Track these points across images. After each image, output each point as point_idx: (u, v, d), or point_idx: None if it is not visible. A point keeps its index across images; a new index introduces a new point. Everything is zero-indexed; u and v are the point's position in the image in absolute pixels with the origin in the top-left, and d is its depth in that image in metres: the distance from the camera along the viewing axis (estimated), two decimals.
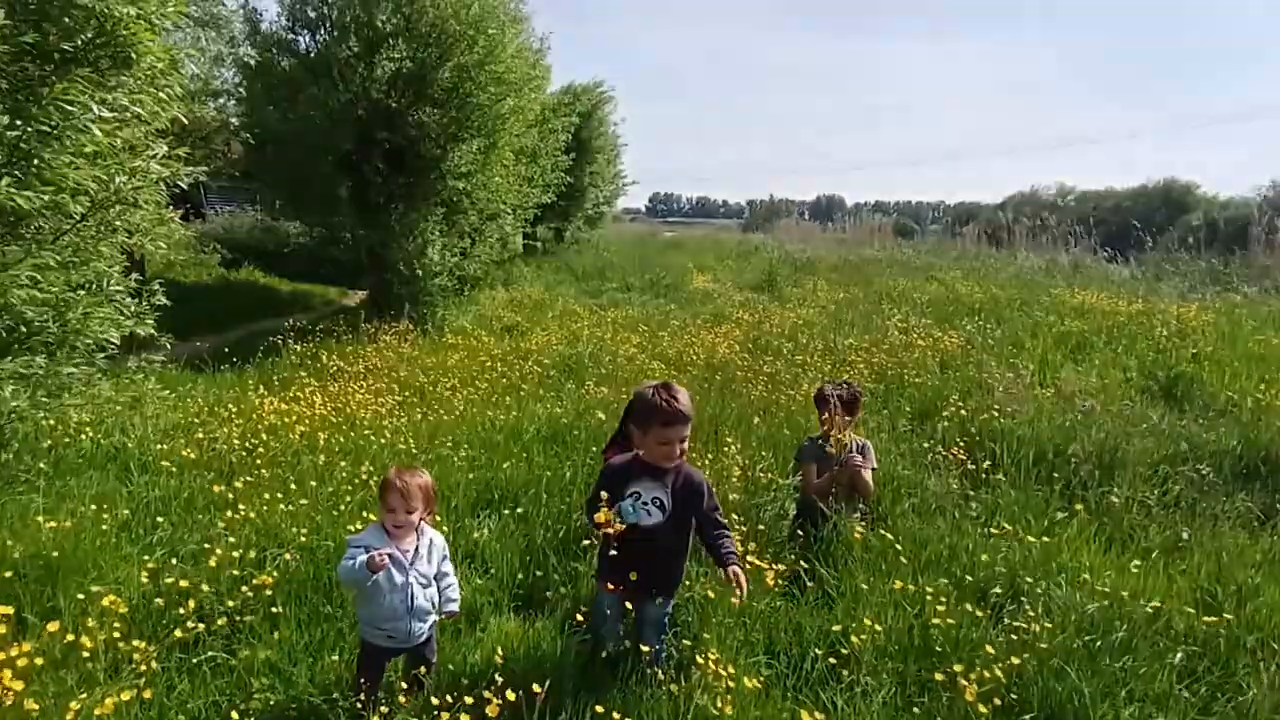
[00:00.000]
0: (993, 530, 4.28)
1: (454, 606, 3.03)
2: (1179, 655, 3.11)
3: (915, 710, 2.78)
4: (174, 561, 3.46)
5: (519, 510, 4.52)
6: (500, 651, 3.03)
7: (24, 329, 3.65)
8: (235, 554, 3.44)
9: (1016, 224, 25.66)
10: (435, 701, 2.55)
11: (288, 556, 3.49)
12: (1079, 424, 5.85)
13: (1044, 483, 5.19)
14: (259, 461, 4.65)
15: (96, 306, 3.89)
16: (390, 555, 2.71)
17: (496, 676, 2.54)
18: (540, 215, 19.17)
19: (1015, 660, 2.90)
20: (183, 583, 3.10)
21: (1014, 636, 3.03)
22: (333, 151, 9.79)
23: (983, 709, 2.63)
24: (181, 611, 2.97)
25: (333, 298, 14.38)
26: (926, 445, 5.35)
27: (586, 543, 3.16)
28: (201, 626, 3.08)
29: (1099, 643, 3.07)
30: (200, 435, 5.09)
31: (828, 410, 4.28)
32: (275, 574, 3.38)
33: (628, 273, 19.82)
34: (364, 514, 3.93)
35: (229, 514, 3.86)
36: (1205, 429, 6.23)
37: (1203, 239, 23.22)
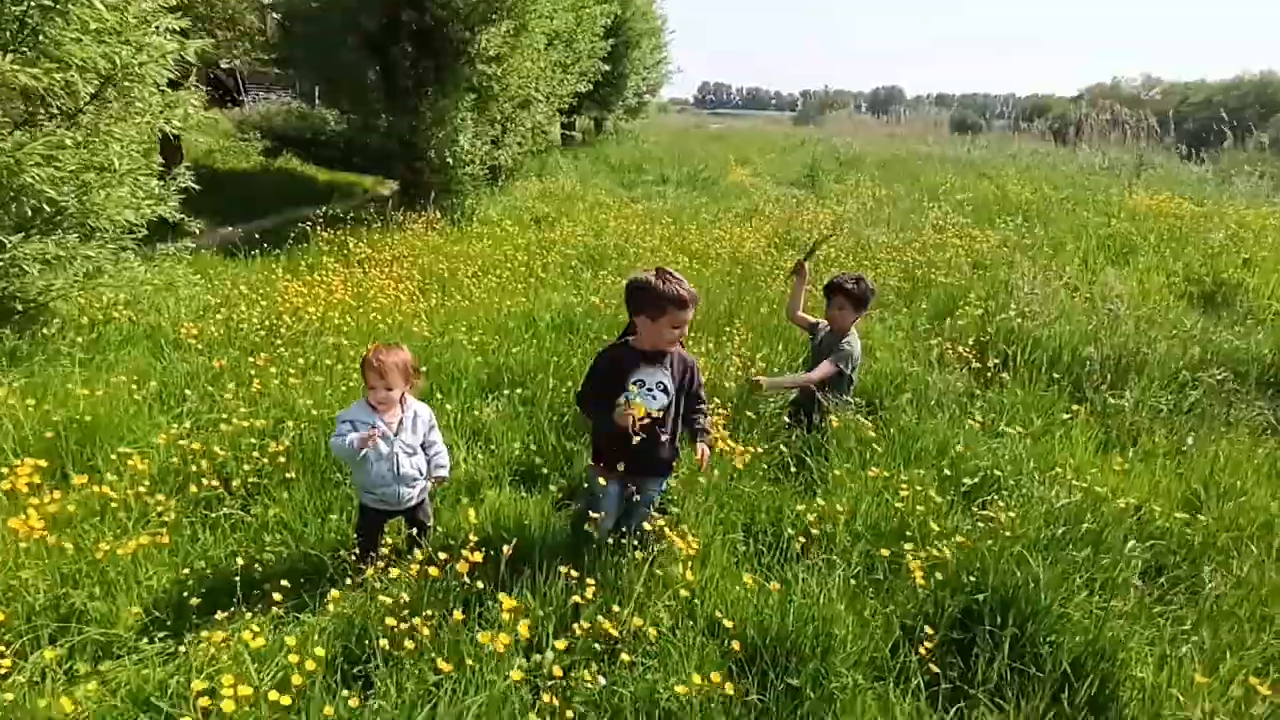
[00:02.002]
0: (983, 424, 4.31)
1: (443, 472, 3.22)
2: (1146, 549, 3.18)
3: (869, 587, 2.92)
4: (197, 429, 3.72)
5: (523, 393, 4.70)
6: (476, 518, 3.25)
7: (47, 208, 3.81)
8: (250, 423, 3.69)
9: (1087, 119, 24.11)
10: (419, 557, 2.77)
11: (290, 424, 3.71)
12: (1102, 327, 5.72)
13: (1054, 385, 5.15)
14: (279, 341, 4.88)
15: (114, 187, 4.02)
16: (378, 432, 2.88)
17: (471, 537, 2.73)
18: (579, 105, 18.66)
19: (961, 539, 3.01)
20: (196, 446, 3.35)
21: (980, 524, 3.12)
22: (358, 31, 9.59)
23: (921, 580, 2.75)
24: (195, 470, 3.22)
25: (368, 186, 14.45)
26: (934, 343, 5.30)
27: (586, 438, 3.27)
28: (219, 486, 3.36)
29: (1066, 534, 3.14)
30: (225, 315, 5.32)
31: (834, 300, 4.28)
32: (288, 443, 3.62)
33: (666, 165, 19.38)
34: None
35: (249, 388, 4.11)
36: (1239, 336, 6.04)
37: None
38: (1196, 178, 16.72)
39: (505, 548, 2.61)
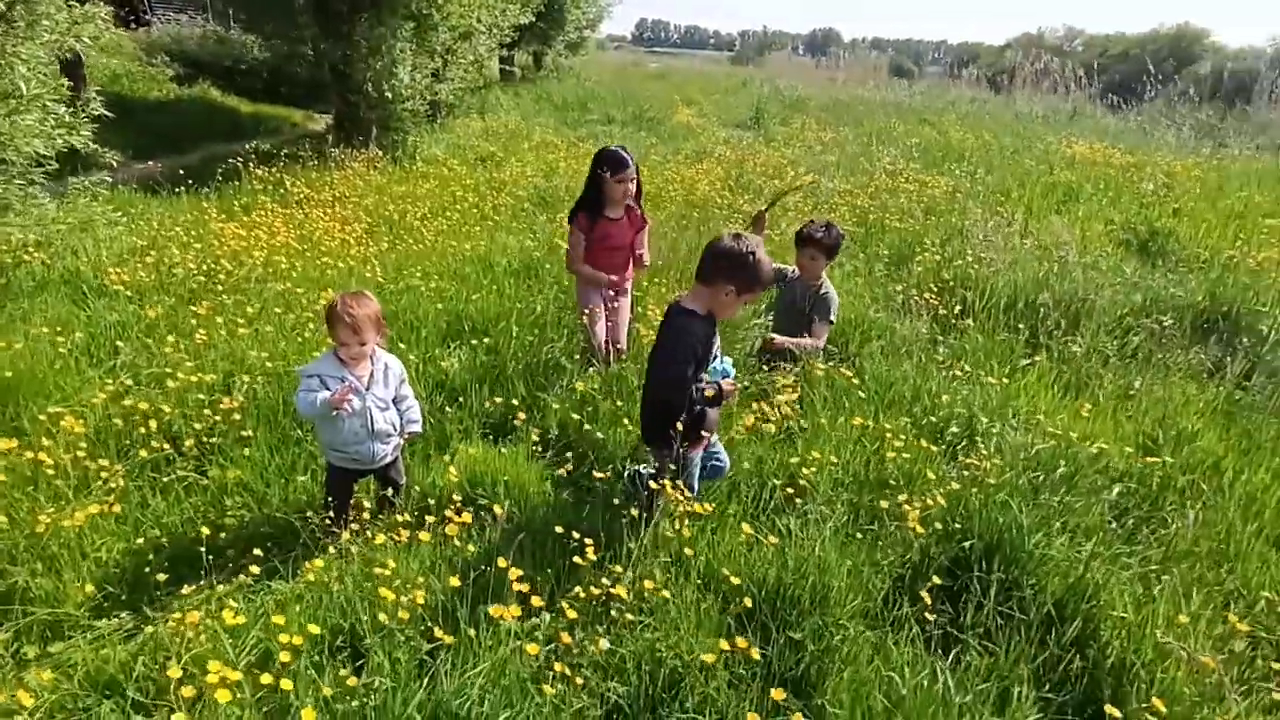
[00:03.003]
0: (955, 373, 4.37)
1: (416, 427, 3.07)
2: (1114, 491, 3.28)
3: (861, 536, 2.93)
4: (136, 385, 3.42)
5: (488, 341, 4.52)
6: (457, 473, 3.12)
7: None
8: (198, 378, 3.42)
9: (1020, 68, 24.44)
10: (396, 519, 2.63)
11: (243, 379, 3.46)
12: (1053, 274, 5.84)
13: (1012, 330, 5.26)
14: (220, 289, 4.53)
15: (21, 114, 3.58)
16: (350, 388, 2.69)
17: (455, 497, 2.60)
18: (518, 39, 17.84)
19: (956, 486, 3.04)
20: (142, 405, 3.08)
21: (964, 472, 3.16)
22: None
23: (920, 529, 2.77)
24: (144, 431, 2.97)
25: (297, 120, 13.56)
26: (899, 290, 5.32)
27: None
28: (169, 448, 3.11)
29: (1043, 479, 3.21)
30: (155, 259, 4.90)
31: (805, 248, 4.24)
32: (242, 398, 3.37)
33: (610, 104, 18.86)
34: (329, 341, 3.88)
35: (191, 340, 3.80)
36: (1174, 283, 6.27)
37: (1206, 91, 22.35)
38: (1121, 128, 17.22)
39: (498, 508, 2.49)
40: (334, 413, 2.70)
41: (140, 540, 2.67)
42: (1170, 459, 3.63)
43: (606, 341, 4.24)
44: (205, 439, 3.23)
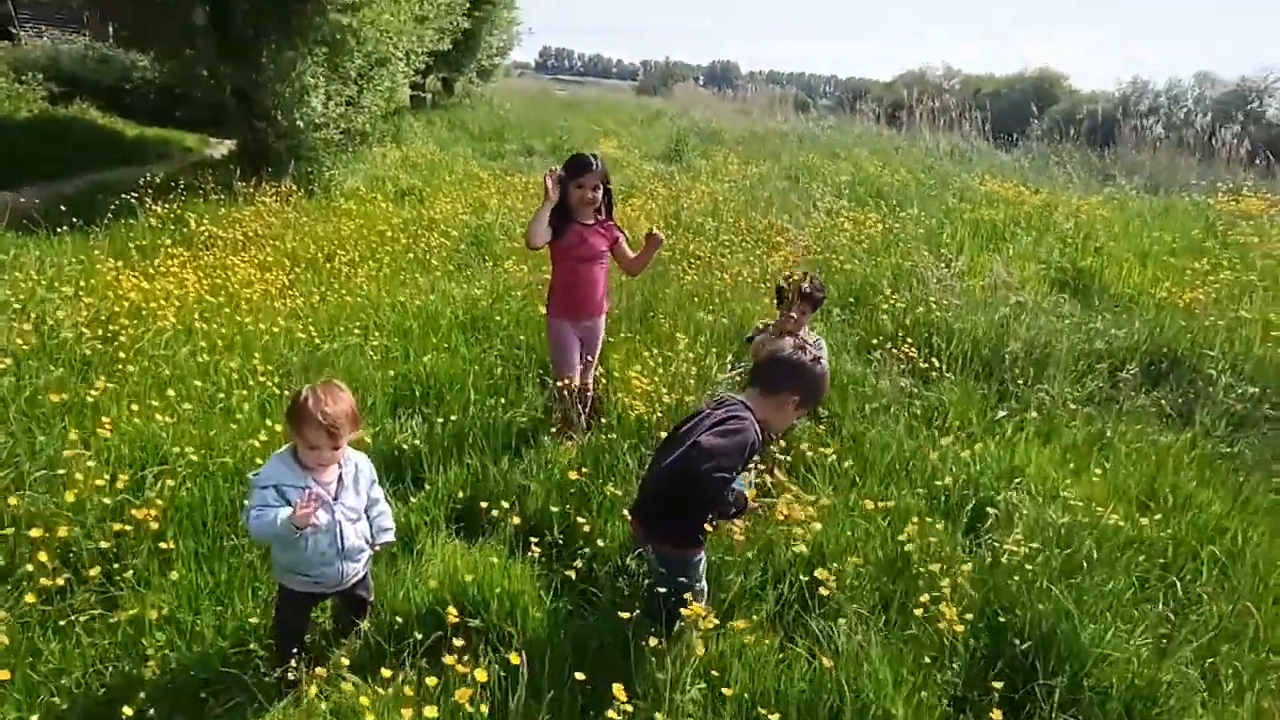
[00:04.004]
0: (946, 435, 4.21)
1: (389, 536, 2.59)
2: (1138, 563, 3.13)
3: (904, 640, 2.64)
4: (19, 492, 2.75)
5: (443, 407, 4.03)
6: (445, 583, 2.66)
7: None
8: (102, 479, 2.79)
9: (919, 104, 25.67)
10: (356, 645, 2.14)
11: (170, 482, 2.85)
12: (1011, 319, 5.85)
13: (982, 379, 5.19)
14: (121, 354, 3.84)
15: None
16: (316, 502, 2.19)
17: (446, 612, 2.13)
18: (430, 65, 17.22)
19: (979, 566, 2.81)
20: (33, 531, 2.44)
21: (988, 551, 2.92)
22: None
23: (959, 627, 2.51)
24: (31, 568, 2.34)
25: (191, 145, 12.49)
26: (875, 342, 5.15)
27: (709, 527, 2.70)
28: (64, 575, 2.48)
29: (1075, 558, 3.02)
30: (35, 317, 4.15)
31: (788, 302, 4.05)
32: (161, 501, 2.77)
33: (526, 134, 18.46)
34: (266, 421, 3.30)
35: (90, 424, 3.14)
36: (1113, 324, 6.41)
37: (1081, 130, 24.08)
38: (1016, 165, 18.19)
39: (513, 656, 2.04)
40: (297, 534, 2.19)
41: (34, 718, 2.06)
42: (1173, 522, 3.54)
43: (580, 390, 3.87)
44: (113, 557, 2.61)
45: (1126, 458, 4.22)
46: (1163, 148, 20.30)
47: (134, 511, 2.67)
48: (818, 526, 2.86)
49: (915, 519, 3.16)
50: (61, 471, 2.78)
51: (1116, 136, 21.78)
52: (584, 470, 3.29)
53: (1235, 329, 5.94)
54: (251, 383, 3.64)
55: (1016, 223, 9.95)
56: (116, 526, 2.64)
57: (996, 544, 3.04)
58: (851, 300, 6.52)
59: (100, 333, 3.98)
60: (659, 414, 3.75)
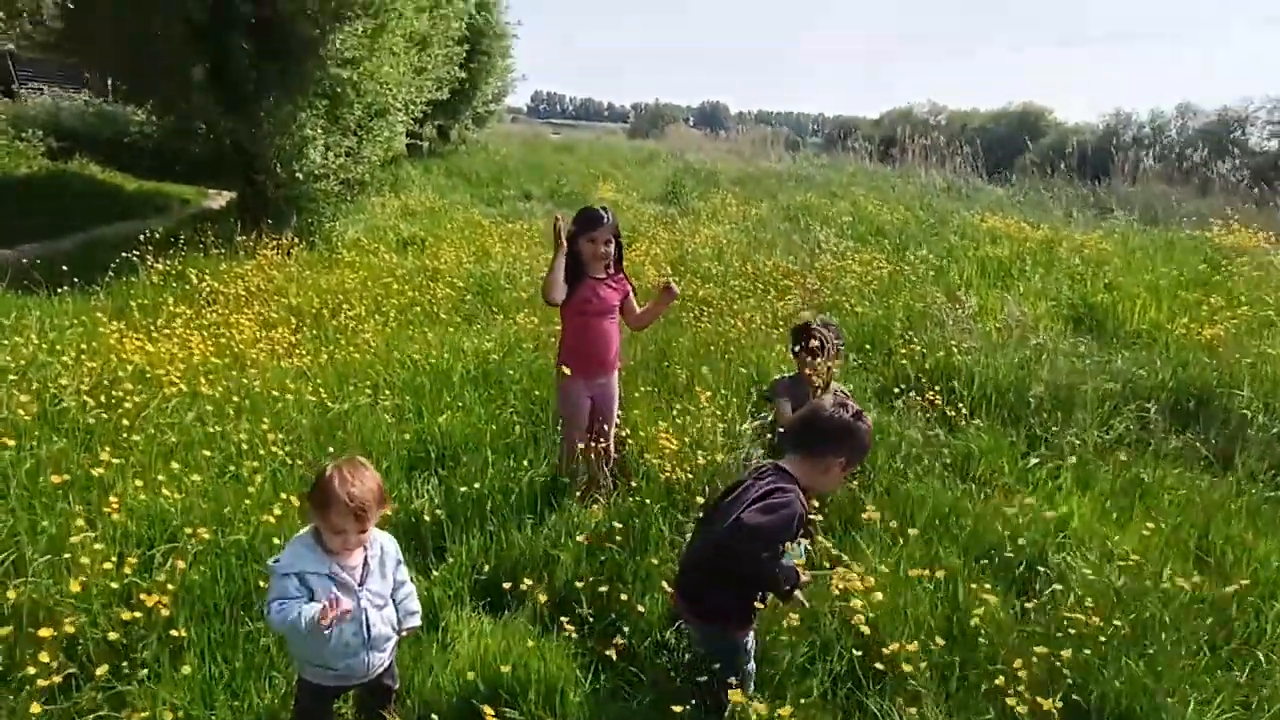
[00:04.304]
0: (984, 487, 4.07)
1: (416, 620, 2.42)
2: (1204, 625, 2.97)
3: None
4: (21, 580, 2.56)
5: (459, 469, 3.88)
6: (477, 668, 2.48)
7: None
8: (110, 562, 2.61)
9: (911, 142, 25.99)
10: None
11: (180, 564, 2.68)
12: (1032, 361, 5.74)
13: (1008, 424, 5.06)
14: (125, 420, 3.68)
15: None
16: (344, 606, 2.02)
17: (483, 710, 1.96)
18: (427, 113, 17.37)
19: (1066, 654, 2.63)
20: (43, 631, 2.25)
21: (1067, 631, 2.74)
22: (181, 19, 8.04)
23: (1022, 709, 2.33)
24: (34, 669, 2.15)
25: (190, 197, 12.46)
26: (899, 390, 5.03)
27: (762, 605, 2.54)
28: (67, 670, 2.30)
29: (1139, 620, 2.85)
30: (37, 385, 4.00)
31: (808, 350, 3.94)
32: (172, 586, 2.59)
33: (524, 179, 18.56)
34: (280, 495, 3.14)
35: (97, 500, 2.97)
36: (1132, 363, 6.30)
37: (1054, 164, 24.41)
38: (1012, 200, 18.30)
39: None
40: (326, 632, 2.02)
41: None
42: (1231, 577, 3.38)
43: (587, 450, 3.72)
44: (121, 650, 2.43)
45: (1171, 505, 4.08)
46: (1154, 178, 20.59)
47: (143, 596, 2.49)
48: (879, 596, 2.69)
49: (967, 581, 3.00)
50: (66, 555, 2.60)
51: (1108, 168, 22.09)
52: (617, 540, 3.12)
53: (1259, 365, 5.84)
54: (263, 451, 3.47)
55: (1022, 259, 9.92)
56: (125, 614, 2.45)
57: (1052, 609, 2.87)
58: (867, 345, 6.41)
59: (103, 399, 3.82)
60: (689, 475, 3.59)
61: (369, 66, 9.47)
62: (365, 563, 2.24)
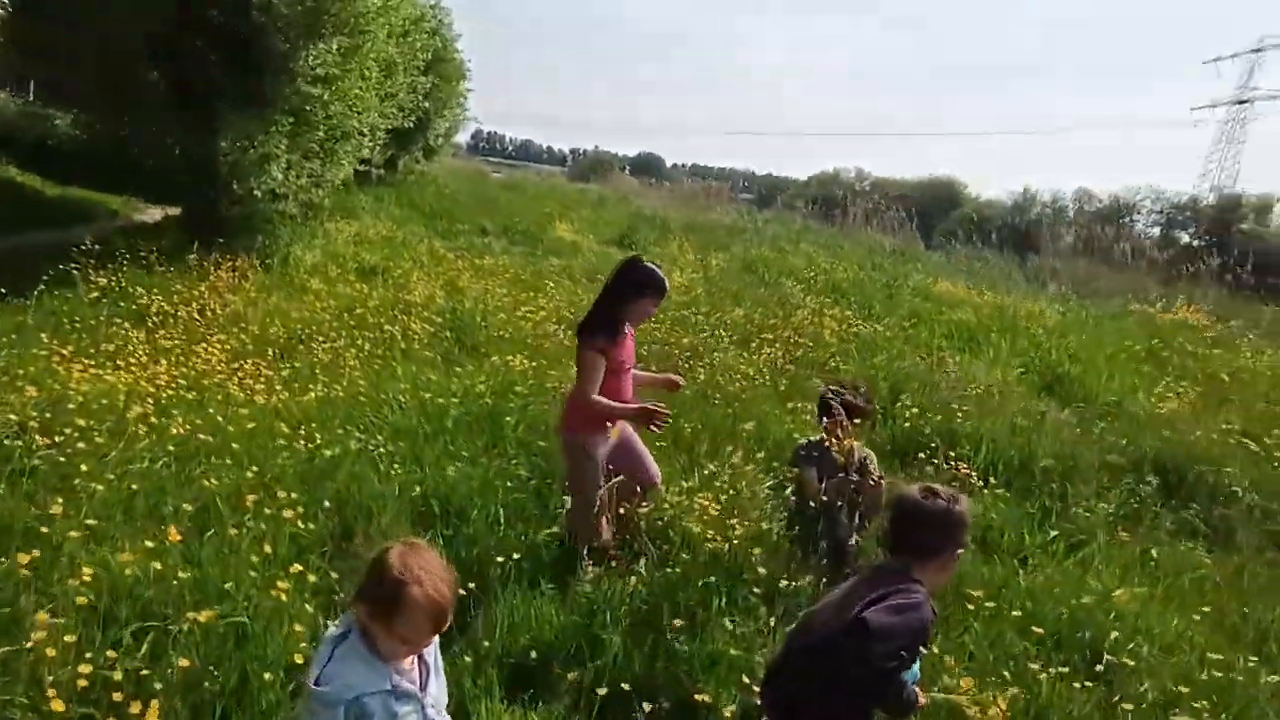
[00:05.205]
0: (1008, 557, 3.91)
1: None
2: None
3: None
4: None
5: (466, 526, 3.47)
6: None
7: None
8: (90, 665, 2.10)
9: (852, 204, 27.00)
10: None
11: (181, 664, 2.18)
12: (1034, 429, 5.72)
13: (1015, 491, 4.98)
14: (79, 462, 3.11)
15: None
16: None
17: None
18: (385, 141, 16.85)
19: None
20: None
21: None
22: (142, 24, 7.46)
23: None
24: None
25: (116, 207, 11.55)
26: (921, 456, 4.87)
27: None
28: None
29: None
30: None
31: (833, 415, 3.75)
32: (158, 681, 2.10)
33: (475, 214, 18.14)
34: (291, 566, 2.65)
35: (69, 574, 2.43)
36: (1116, 434, 6.36)
37: (969, 233, 25.79)
38: (950, 265, 19.04)
39: None
40: None
41: None
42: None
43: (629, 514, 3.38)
44: None
45: (1192, 583, 4.01)
46: (1074, 255, 21.95)
47: (131, 706, 1.98)
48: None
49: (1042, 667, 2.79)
50: (20, 645, 2.07)
51: (1028, 241, 23.43)
52: (673, 623, 2.76)
53: (1226, 439, 5.99)
54: (262, 511, 2.96)
55: (987, 325, 10.12)
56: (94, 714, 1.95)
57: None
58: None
59: (52, 439, 3.24)
60: (731, 543, 3.29)
61: (341, 87, 9.02)
62: (426, 668, 1.84)
